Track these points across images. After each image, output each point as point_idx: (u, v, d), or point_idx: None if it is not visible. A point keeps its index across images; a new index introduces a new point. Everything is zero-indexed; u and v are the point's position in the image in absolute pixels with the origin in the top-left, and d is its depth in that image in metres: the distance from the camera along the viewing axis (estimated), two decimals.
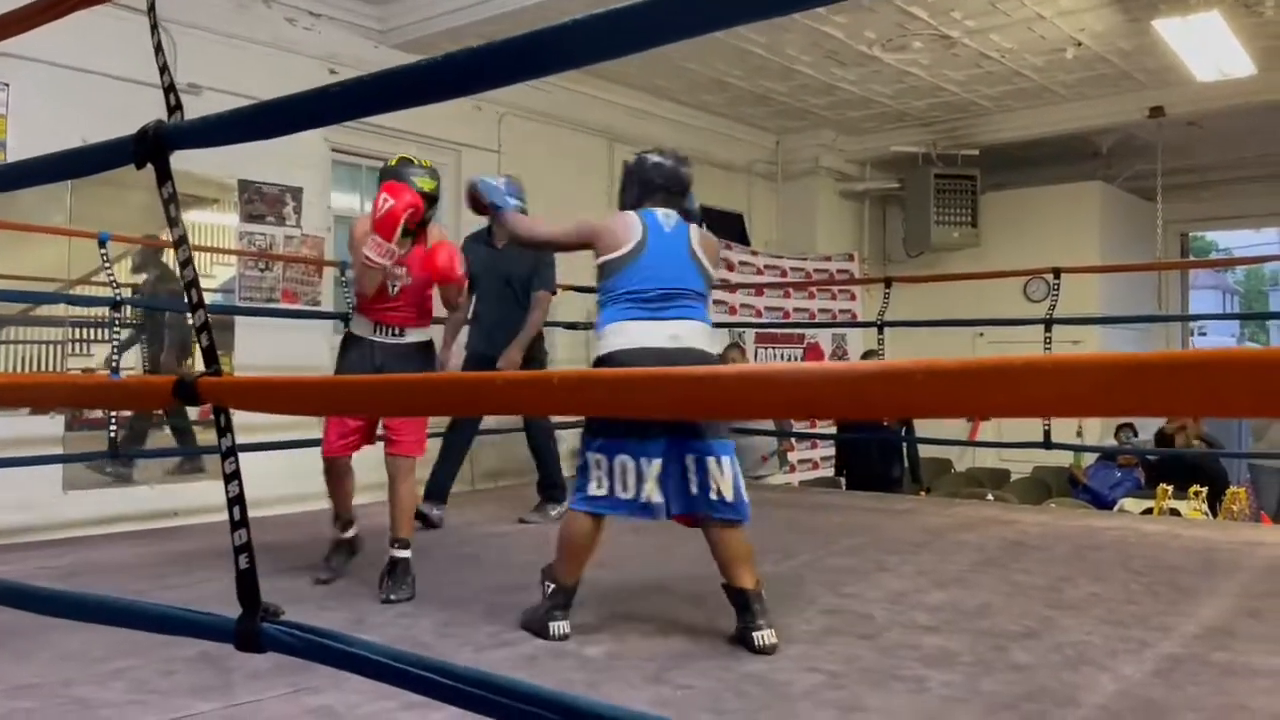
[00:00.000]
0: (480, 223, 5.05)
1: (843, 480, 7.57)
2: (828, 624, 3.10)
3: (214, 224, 5.60)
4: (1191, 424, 7.73)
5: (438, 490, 5.05)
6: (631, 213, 3.18)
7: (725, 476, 2.93)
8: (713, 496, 2.93)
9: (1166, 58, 6.73)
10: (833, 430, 7.80)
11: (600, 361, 3.05)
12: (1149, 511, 6.21)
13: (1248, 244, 18.67)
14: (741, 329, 8.08)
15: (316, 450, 5.36)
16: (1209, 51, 6.44)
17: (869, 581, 3.70)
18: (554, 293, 5.15)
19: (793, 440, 7.99)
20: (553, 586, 3.06)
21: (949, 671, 2.62)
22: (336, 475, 3.85)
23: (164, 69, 1.42)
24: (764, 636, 2.81)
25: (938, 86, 7.76)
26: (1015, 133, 8.63)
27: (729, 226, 8.70)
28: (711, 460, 2.93)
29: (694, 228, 3.27)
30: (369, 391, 1.47)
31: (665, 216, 3.20)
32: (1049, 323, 5.42)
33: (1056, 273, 5.66)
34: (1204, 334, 19.09)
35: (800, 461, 8.31)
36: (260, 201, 5.66)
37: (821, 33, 6.59)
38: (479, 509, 5.49)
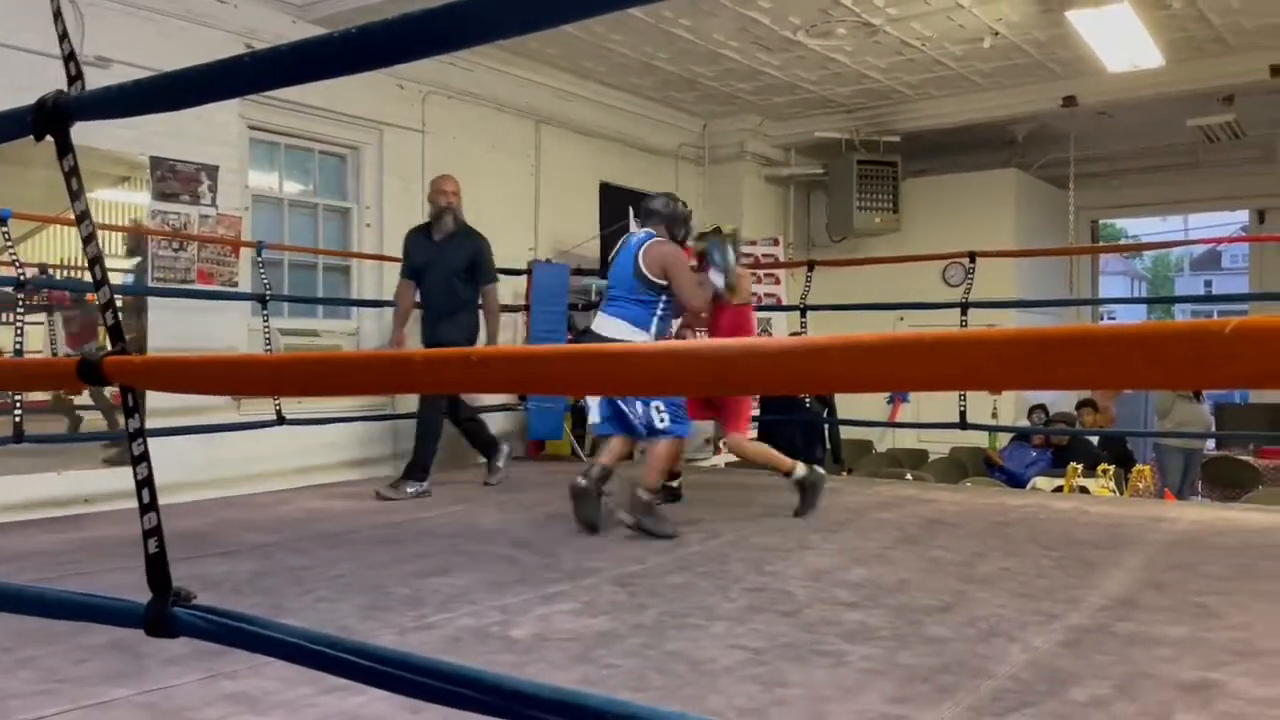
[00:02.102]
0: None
1: None
2: (751, 601, 3.14)
3: (125, 202, 5.42)
4: (1100, 402, 8.01)
5: (418, 467, 5.31)
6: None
7: None
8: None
9: (1079, 48, 6.91)
10: (756, 412, 7.88)
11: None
12: (1060, 489, 6.42)
13: (1154, 231, 19.36)
14: None
15: (231, 434, 5.28)
16: (1120, 43, 6.63)
17: (792, 559, 3.76)
18: (496, 280, 5.52)
19: None
20: (650, 496, 4.12)
21: (868, 645, 2.68)
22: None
23: (63, 36, 1.37)
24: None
25: (861, 74, 7.86)
26: (935, 120, 8.79)
27: None
28: None
29: (650, 241, 4.24)
30: (278, 371, 1.45)
31: (633, 234, 4.38)
32: (965, 306, 5.55)
33: (972, 257, 5.80)
34: (1113, 317, 19.72)
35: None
36: (174, 179, 5.49)
37: (747, 17, 6.62)
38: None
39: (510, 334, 7.43)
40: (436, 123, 6.97)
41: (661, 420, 4.20)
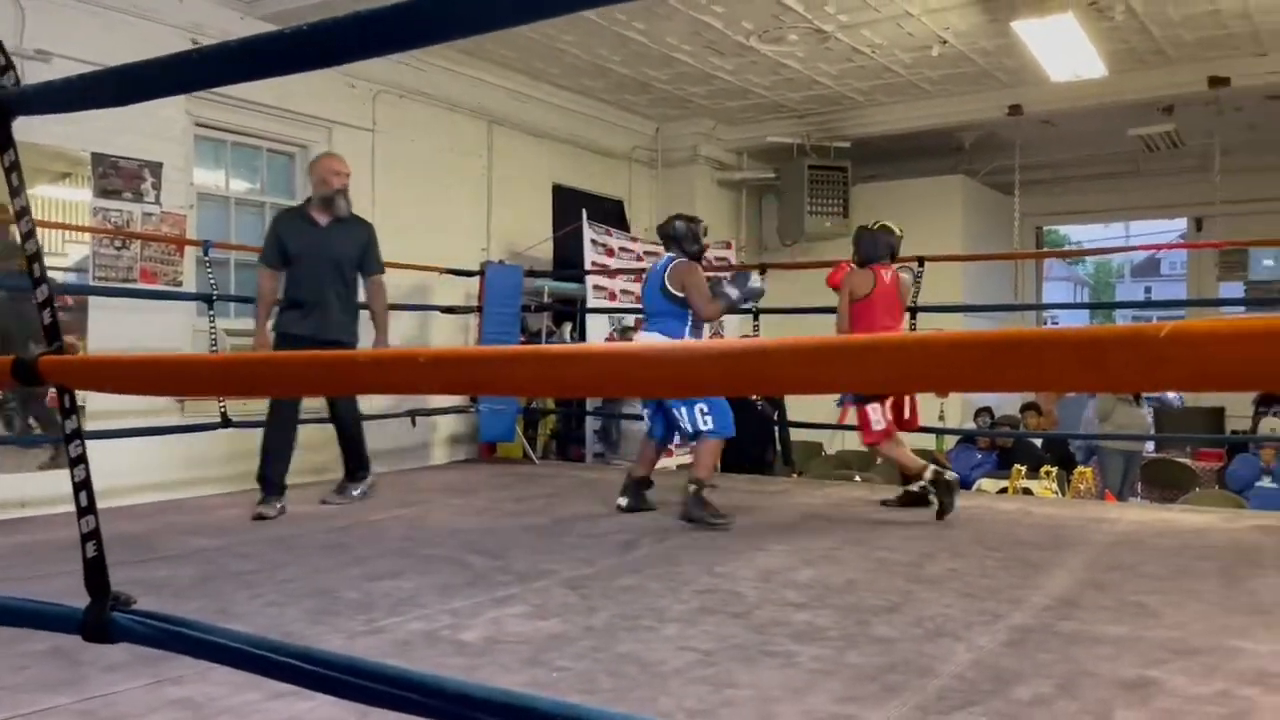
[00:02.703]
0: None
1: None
2: (702, 603, 3.15)
3: (66, 199, 5.29)
4: (1043, 405, 8.16)
5: (358, 467, 5.17)
6: None
7: None
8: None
9: (1025, 58, 7.04)
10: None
11: None
12: (1004, 491, 6.53)
13: (1096, 238, 19.81)
14: (622, 315, 8.11)
15: (174, 437, 5.18)
16: (1064, 53, 6.77)
17: (742, 560, 3.78)
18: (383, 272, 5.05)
19: None
20: (700, 486, 4.47)
21: (817, 646, 2.70)
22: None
23: None
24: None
25: (812, 79, 7.93)
26: (884, 126, 8.90)
27: (609, 212, 8.72)
28: None
29: (673, 264, 4.70)
30: (222, 372, 1.42)
31: (658, 260, 4.95)
32: (914, 310, 5.63)
33: (921, 261, 5.88)
34: (1056, 322, 20.11)
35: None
36: (116, 176, 5.38)
37: (700, 22, 6.65)
38: None
39: (463, 336, 7.39)
40: (387, 122, 6.90)
41: (705, 421, 4.56)
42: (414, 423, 6.62)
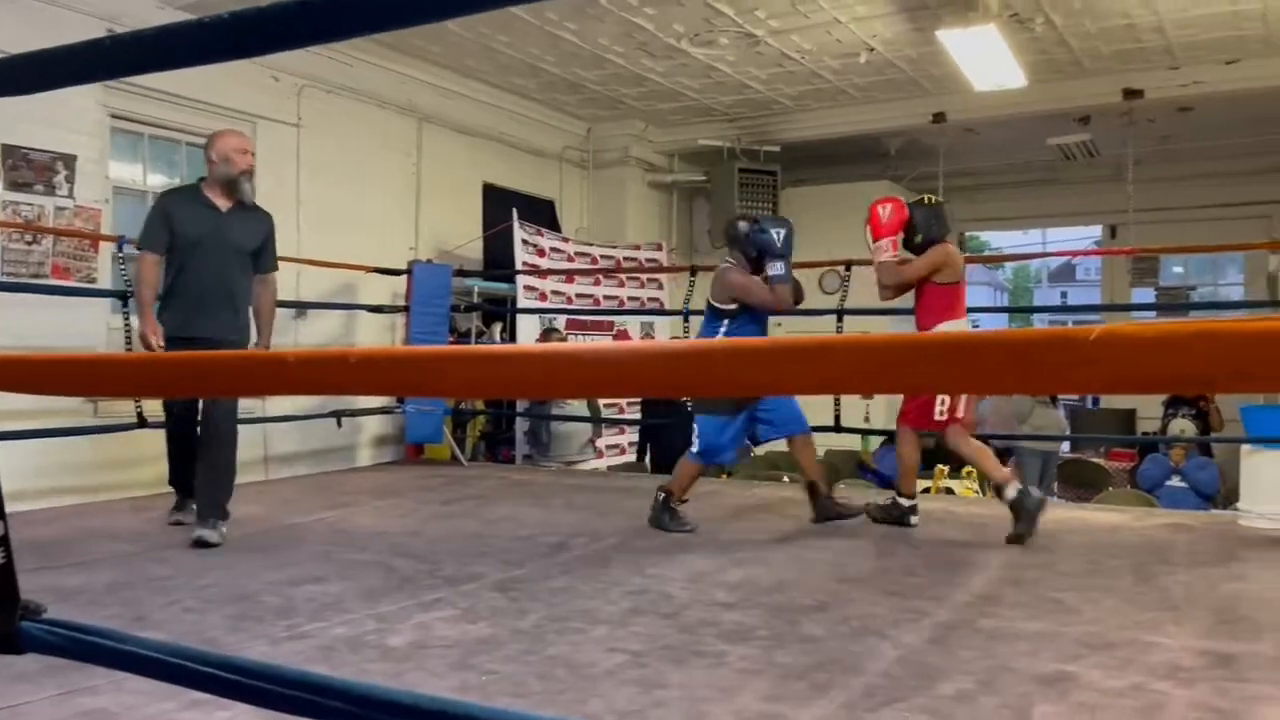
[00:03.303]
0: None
1: (648, 464, 7.71)
2: (633, 604, 3.15)
3: None
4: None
5: (184, 487, 4.34)
6: None
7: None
8: None
9: (949, 67, 7.18)
10: (640, 416, 7.93)
11: None
12: (927, 491, 6.65)
13: (1015, 244, 20.33)
14: (553, 315, 8.08)
15: (87, 438, 5.01)
16: (986, 63, 6.92)
17: (673, 561, 3.79)
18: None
19: (603, 426, 8.07)
20: (668, 496, 4.51)
21: (746, 645, 2.72)
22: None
23: None
24: None
25: (742, 83, 8.00)
26: (813, 131, 9.01)
27: (540, 213, 8.68)
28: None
29: (718, 270, 4.66)
30: (138, 371, 1.37)
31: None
32: (841, 313, 5.70)
33: (848, 265, 5.97)
34: (976, 325, 20.58)
35: (609, 447, 8.41)
36: (27, 168, 5.18)
37: (632, 23, 6.65)
38: (273, 497, 5.25)
39: (389, 335, 7.28)
40: (313, 117, 6.77)
41: (694, 442, 4.56)
42: (339, 423, 6.50)
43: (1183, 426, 7.95)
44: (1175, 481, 6.95)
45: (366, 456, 7.04)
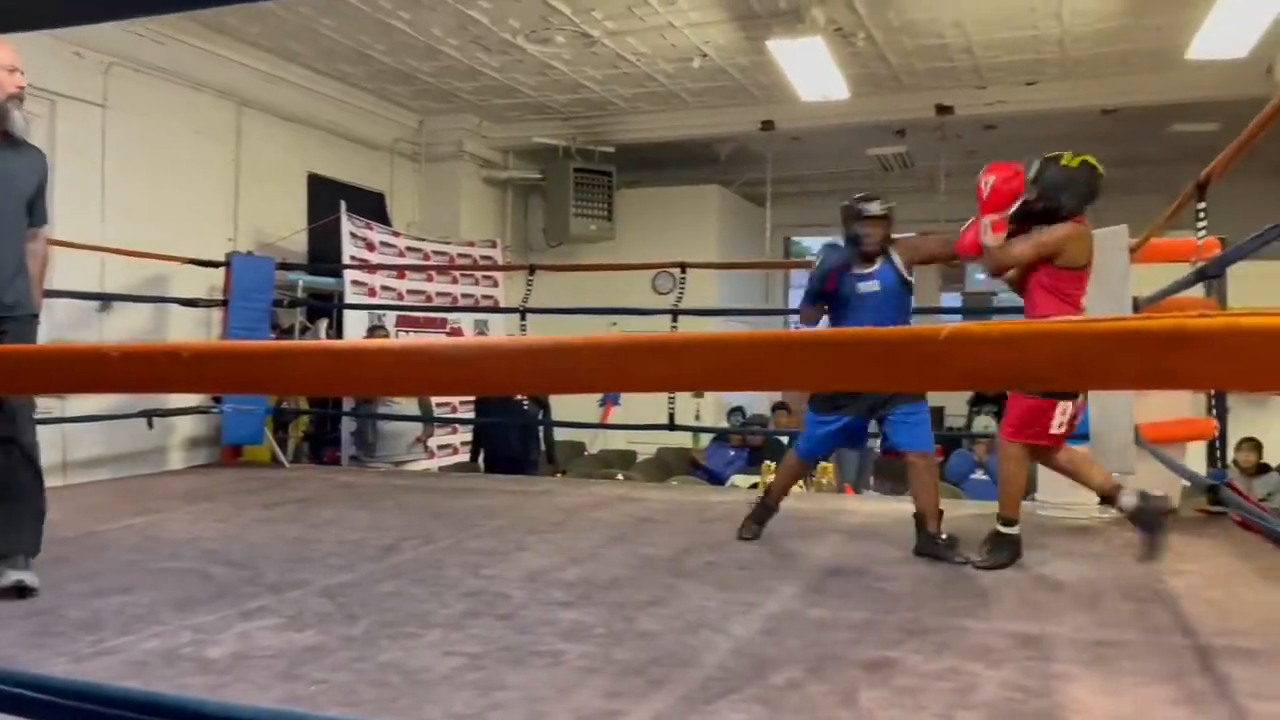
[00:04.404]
0: None
1: (480, 464, 7.62)
2: (468, 607, 3.10)
3: None
4: (792, 405, 8.63)
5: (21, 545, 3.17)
6: None
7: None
8: None
9: (777, 76, 7.43)
10: (473, 415, 7.83)
11: None
12: (755, 486, 6.84)
13: None
14: (383, 311, 7.87)
15: None
16: (812, 74, 7.20)
17: (508, 562, 3.75)
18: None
19: (434, 425, 7.92)
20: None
21: (584, 644, 2.72)
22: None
23: None
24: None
25: (578, 83, 8.02)
26: (647, 134, 9.15)
27: (368, 205, 8.42)
28: None
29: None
30: None
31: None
32: (676, 313, 5.80)
33: (683, 267, 6.08)
34: (799, 326, 21.32)
35: (440, 447, 8.25)
36: None
37: (467, 16, 6.55)
38: (75, 503, 4.88)
39: (205, 331, 6.90)
40: (122, 98, 6.33)
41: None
42: (150, 424, 6.11)
43: (986, 423, 8.50)
44: (979, 475, 7.41)
45: (179, 459, 6.64)
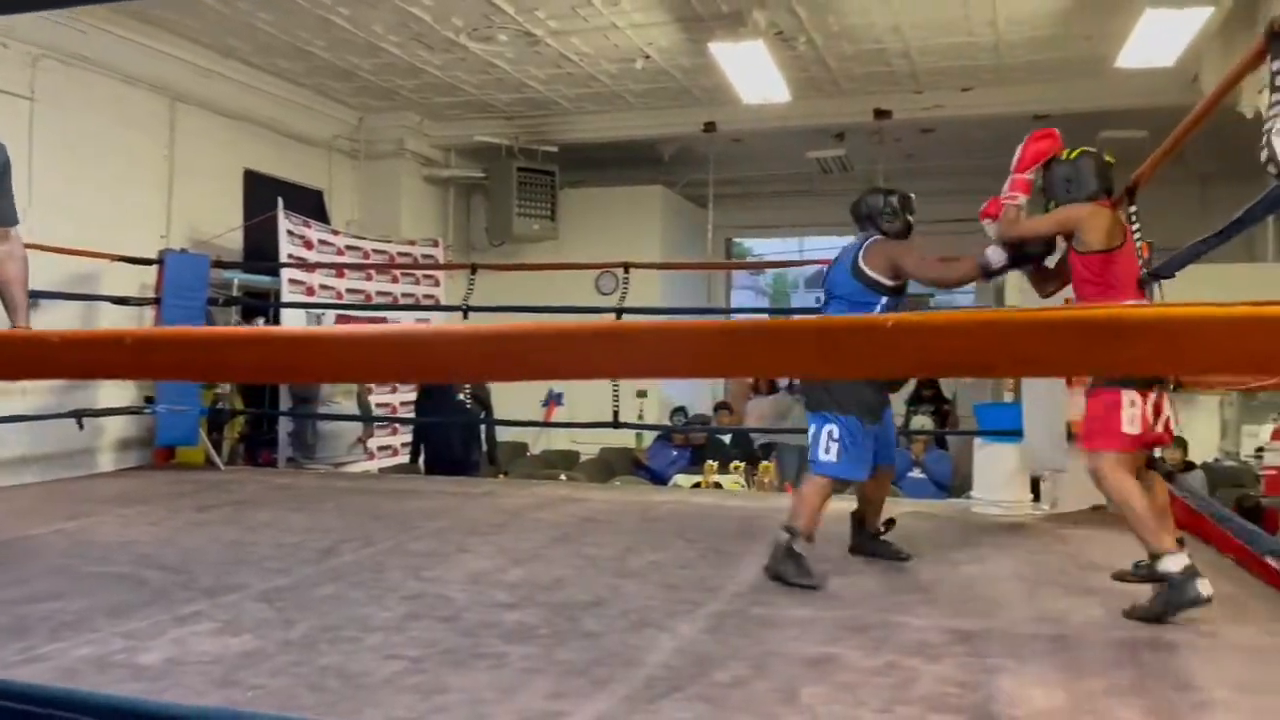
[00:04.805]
0: None
1: (421, 465, 7.54)
2: (409, 609, 3.06)
3: None
4: (734, 405, 8.69)
5: None
6: None
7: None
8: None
9: (719, 78, 7.47)
10: (413, 415, 7.75)
11: None
12: (698, 485, 6.87)
13: (776, 251, 21.49)
14: (322, 311, 7.74)
15: None
16: (754, 77, 7.25)
17: (450, 564, 3.72)
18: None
19: (374, 426, 7.82)
20: (793, 536, 3.54)
21: (527, 645, 2.71)
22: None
23: None
24: None
25: (521, 82, 7.98)
26: (590, 134, 9.14)
27: (307, 203, 8.29)
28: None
29: (871, 242, 3.88)
30: None
31: (849, 243, 4.06)
32: (620, 312, 5.81)
33: (626, 267, 6.08)
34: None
35: (380, 448, 8.15)
36: None
37: (409, 13, 6.49)
38: (0, 506, 4.73)
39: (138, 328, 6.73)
40: (49, 91, 6.15)
41: (829, 451, 3.63)
42: (81, 424, 5.93)
43: (923, 422, 8.64)
44: (916, 473, 7.52)
45: (109, 461, 6.47)
